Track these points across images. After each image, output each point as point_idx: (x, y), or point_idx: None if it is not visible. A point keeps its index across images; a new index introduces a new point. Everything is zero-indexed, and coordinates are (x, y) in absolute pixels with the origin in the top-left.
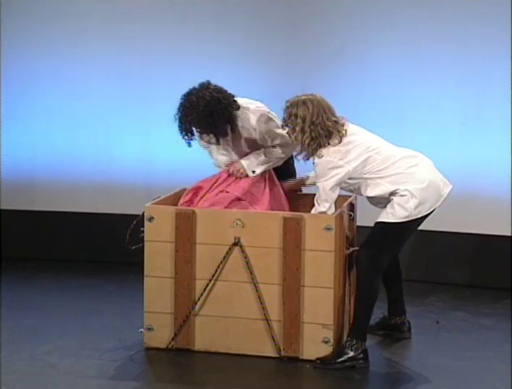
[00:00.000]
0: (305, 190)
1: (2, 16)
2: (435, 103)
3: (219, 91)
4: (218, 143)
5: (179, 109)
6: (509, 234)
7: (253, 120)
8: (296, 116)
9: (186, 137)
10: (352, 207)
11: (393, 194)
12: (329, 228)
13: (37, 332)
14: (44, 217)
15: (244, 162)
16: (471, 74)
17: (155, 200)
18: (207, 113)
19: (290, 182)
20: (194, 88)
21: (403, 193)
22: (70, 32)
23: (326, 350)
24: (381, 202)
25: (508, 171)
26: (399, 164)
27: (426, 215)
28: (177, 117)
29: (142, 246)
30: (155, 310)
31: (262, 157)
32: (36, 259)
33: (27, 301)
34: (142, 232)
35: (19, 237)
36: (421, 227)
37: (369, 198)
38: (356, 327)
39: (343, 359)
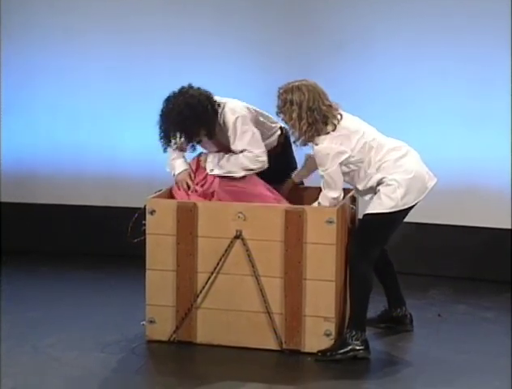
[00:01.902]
0: (307, 183)
1: (1, 11)
2: (436, 96)
3: (195, 96)
4: (193, 148)
5: (159, 115)
6: (509, 227)
7: (230, 119)
8: (291, 102)
9: (163, 142)
10: (353, 200)
11: (380, 183)
12: (330, 221)
13: (39, 325)
14: (46, 210)
15: (210, 156)
16: (473, 68)
17: (157, 193)
18: (180, 120)
19: (283, 187)
20: (173, 94)
21: (390, 182)
22: (70, 26)
23: (327, 343)
24: (369, 192)
25: (508, 165)
26: (390, 154)
27: (411, 208)
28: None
29: (144, 239)
30: (156, 303)
31: (224, 161)
32: (37, 252)
33: (28, 294)
34: (144, 225)
35: (20, 230)
36: (422, 220)
37: (359, 190)
38: (354, 318)
39: (344, 350)
